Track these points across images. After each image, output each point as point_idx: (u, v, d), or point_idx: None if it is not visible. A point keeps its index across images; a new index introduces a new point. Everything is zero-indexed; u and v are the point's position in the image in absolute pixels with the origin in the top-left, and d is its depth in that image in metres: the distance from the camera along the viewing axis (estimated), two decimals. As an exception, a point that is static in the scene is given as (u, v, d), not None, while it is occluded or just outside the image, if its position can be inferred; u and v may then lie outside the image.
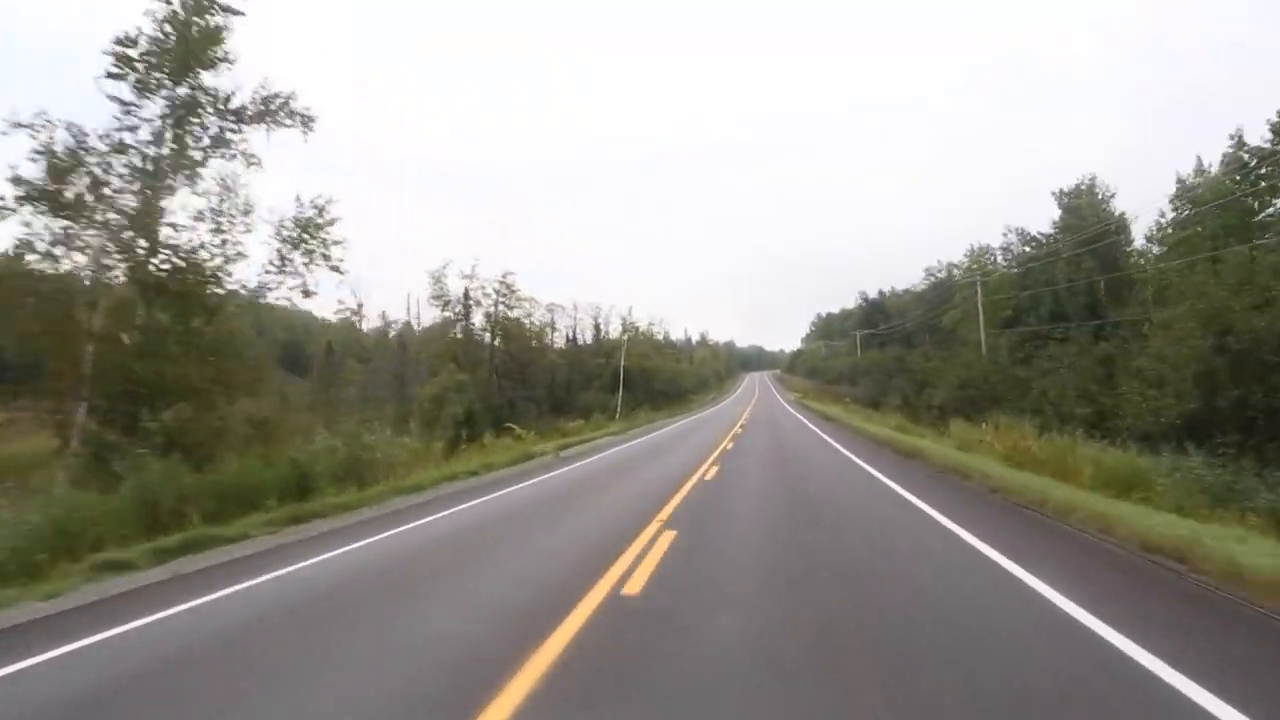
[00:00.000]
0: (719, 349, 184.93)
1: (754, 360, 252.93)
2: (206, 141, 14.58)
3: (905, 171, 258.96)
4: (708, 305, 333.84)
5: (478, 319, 42.11)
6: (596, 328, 62.61)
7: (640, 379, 58.87)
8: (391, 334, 47.14)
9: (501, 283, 42.66)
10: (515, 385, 43.11)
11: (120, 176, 13.62)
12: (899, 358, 58.96)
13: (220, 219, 14.33)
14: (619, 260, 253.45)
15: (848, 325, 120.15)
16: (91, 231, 13.21)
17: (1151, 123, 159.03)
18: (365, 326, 45.13)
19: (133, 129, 13.64)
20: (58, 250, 13.17)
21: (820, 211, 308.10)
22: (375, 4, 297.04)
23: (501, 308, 42.01)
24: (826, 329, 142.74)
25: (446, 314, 40.50)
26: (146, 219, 13.71)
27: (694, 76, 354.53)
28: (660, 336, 63.39)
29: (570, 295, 75.04)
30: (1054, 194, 56.92)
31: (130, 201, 13.65)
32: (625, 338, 61.46)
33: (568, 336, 59.60)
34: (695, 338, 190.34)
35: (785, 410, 51.29)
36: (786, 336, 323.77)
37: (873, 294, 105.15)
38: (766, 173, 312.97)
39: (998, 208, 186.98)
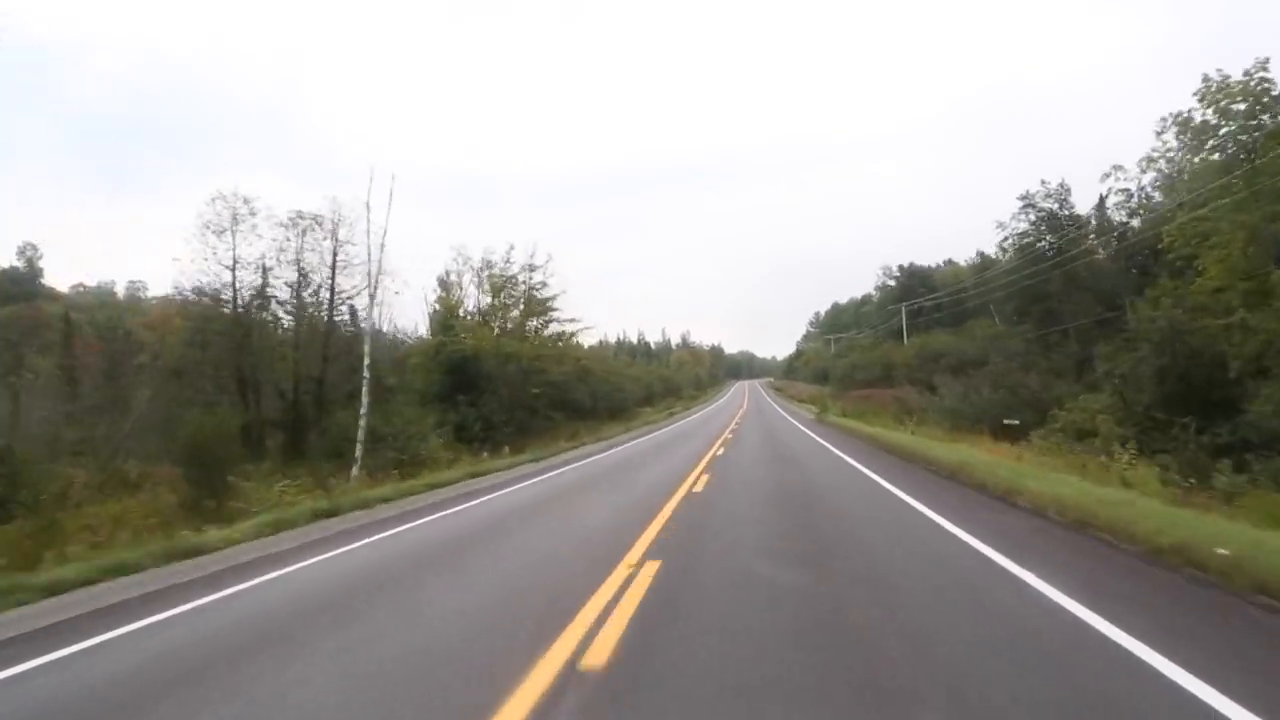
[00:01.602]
0: (701, 352, 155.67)
1: (743, 367, 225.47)
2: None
3: (901, 181, 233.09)
4: (697, 310, 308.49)
5: None
6: (443, 287, 32.50)
7: (516, 381, 29.16)
8: None
9: None
10: None
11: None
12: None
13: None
14: (617, 264, 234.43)
15: (866, 312, 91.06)
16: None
17: (1146, 125, 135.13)
18: None
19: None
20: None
21: (819, 213, 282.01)
22: (367, 24, 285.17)
23: None
24: (834, 322, 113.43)
25: None
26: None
27: (698, 89, 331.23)
28: (553, 285, 31.75)
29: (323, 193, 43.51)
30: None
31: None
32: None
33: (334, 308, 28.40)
34: (676, 340, 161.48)
35: (837, 470, 14.92)
36: (779, 343, 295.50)
37: (893, 271, 76.30)
38: (765, 181, 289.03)
39: (1001, 207, 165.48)
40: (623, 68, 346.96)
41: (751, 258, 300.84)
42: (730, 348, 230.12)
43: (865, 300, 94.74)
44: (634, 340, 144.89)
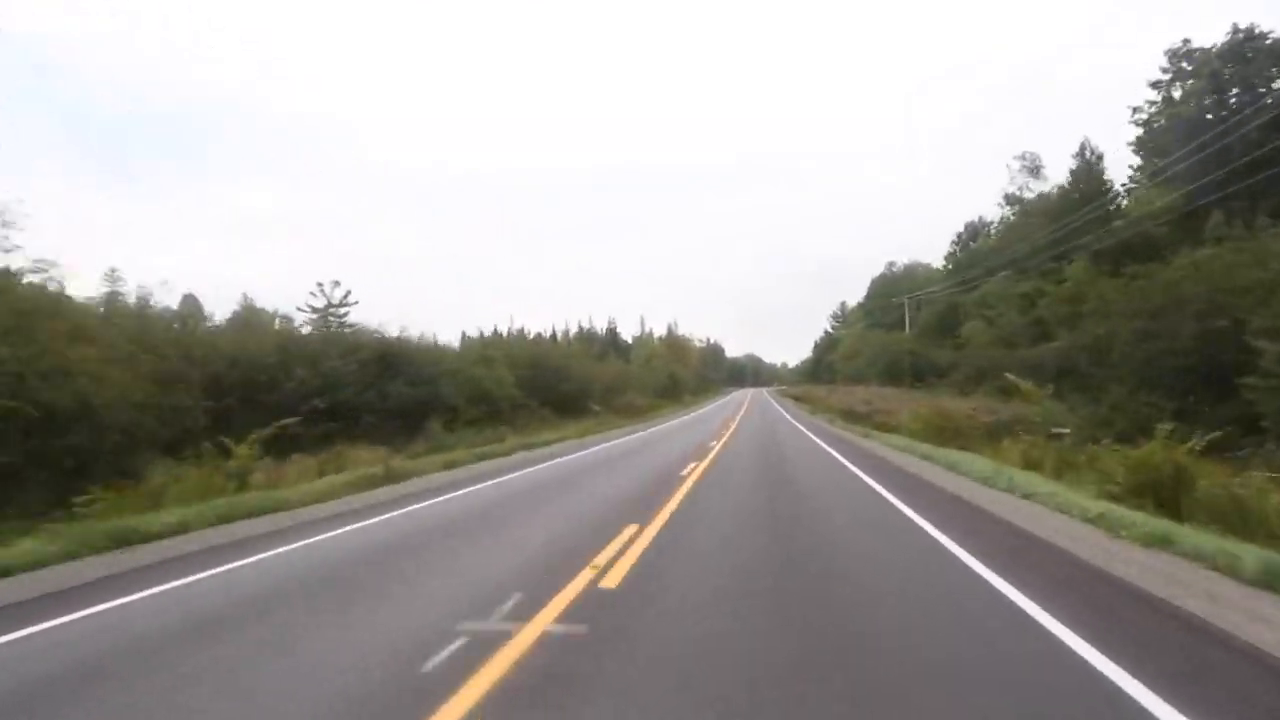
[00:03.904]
0: (686, 346, 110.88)
1: (748, 372, 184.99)
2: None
3: (901, 184, 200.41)
4: (698, 312, 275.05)
5: None
6: None
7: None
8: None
9: None
10: None
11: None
12: None
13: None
14: (618, 267, 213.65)
15: (978, 251, 46.55)
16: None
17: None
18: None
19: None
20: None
21: (822, 213, 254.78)
22: (367, 24, 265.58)
23: None
24: (888, 288, 68.95)
25: None
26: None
27: (698, 89, 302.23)
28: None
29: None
30: None
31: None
32: None
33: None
34: (660, 331, 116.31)
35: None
36: (788, 351, 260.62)
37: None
38: (767, 183, 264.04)
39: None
40: (623, 69, 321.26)
41: (755, 259, 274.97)
42: (735, 350, 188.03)
43: (975, 230, 49.85)
44: (600, 329, 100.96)
